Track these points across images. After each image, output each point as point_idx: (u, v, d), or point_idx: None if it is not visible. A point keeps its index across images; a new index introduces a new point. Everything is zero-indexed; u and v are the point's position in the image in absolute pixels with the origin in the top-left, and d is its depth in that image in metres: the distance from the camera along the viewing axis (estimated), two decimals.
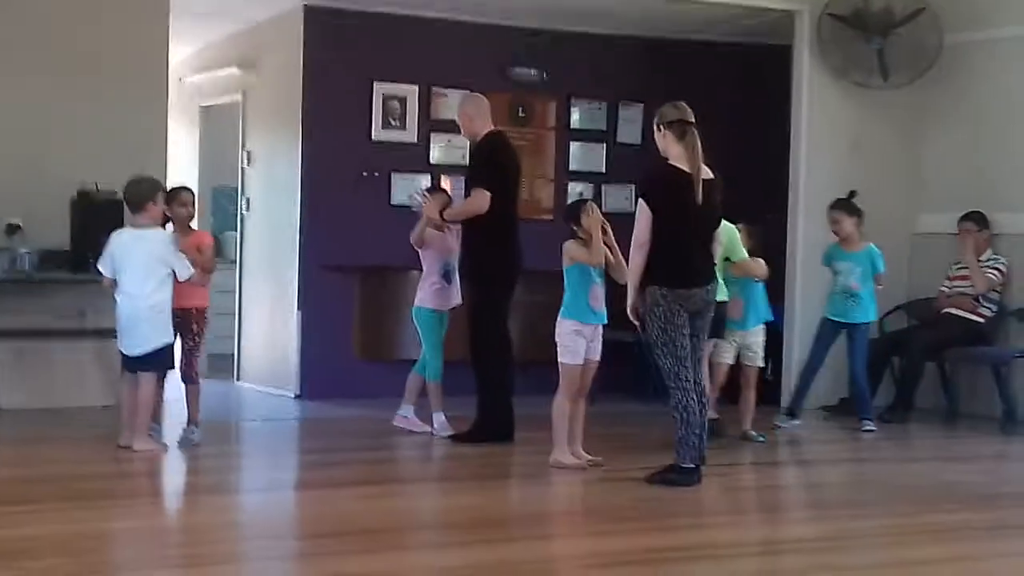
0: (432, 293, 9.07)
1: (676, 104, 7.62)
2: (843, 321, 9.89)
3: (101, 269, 8.26)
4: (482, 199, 8.68)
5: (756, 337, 9.20)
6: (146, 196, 8.21)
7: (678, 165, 7.49)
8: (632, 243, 7.53)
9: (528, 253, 8.98)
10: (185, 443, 8.44)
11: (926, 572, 6.04)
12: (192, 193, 8.76)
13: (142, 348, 8.13)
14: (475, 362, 8.83)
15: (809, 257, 10.64)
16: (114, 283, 8.21)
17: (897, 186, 11.13)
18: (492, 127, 9.01)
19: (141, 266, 8.13)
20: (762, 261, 9.13)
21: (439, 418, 9.02)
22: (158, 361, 8.19)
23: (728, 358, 9.15)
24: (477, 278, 8.86)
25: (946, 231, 10.69)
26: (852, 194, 10.10)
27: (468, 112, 9.04)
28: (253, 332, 11.64)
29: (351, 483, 7.67)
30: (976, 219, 10.50)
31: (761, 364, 9.33)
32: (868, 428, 9.75)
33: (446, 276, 9.07)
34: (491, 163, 8.84)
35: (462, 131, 9.18)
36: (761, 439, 9.09)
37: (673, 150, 7.53)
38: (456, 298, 9.12)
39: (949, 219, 10.70)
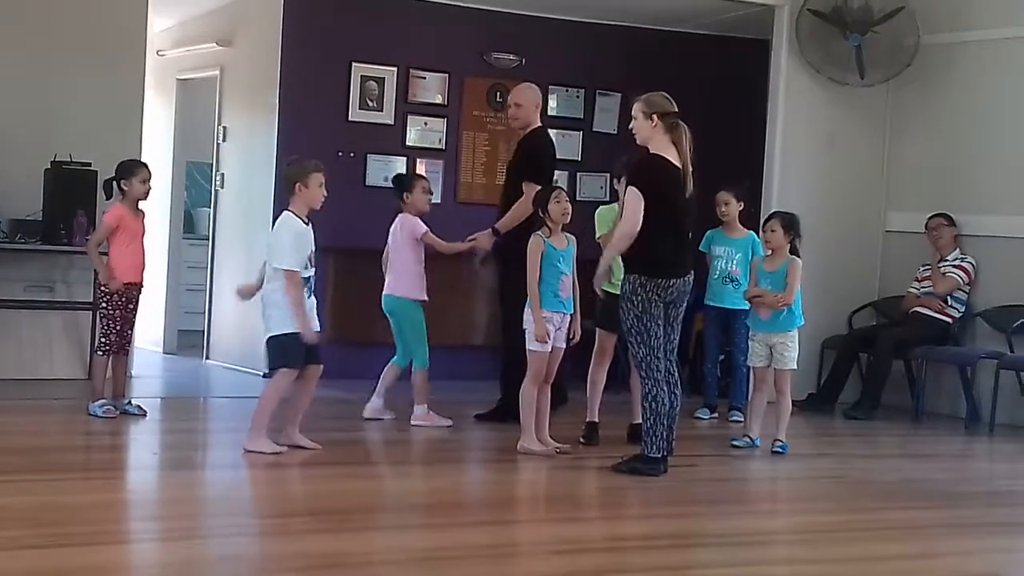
0: (420, 284, 9.00)
1: (667, 96, 7.57)
2: (720, 307, 9.78)
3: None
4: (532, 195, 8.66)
5: (783, 338, 8.51)
6: (291, 178, 7.80)
7: (666, 156, 7.51)
8: (621, 227, 7.54)
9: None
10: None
11: (888, 567, 6.09)
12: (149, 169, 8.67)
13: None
14: (504, 344, 8.84)
15: None
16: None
17: (869, 183, 11.18)
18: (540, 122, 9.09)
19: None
20: (770, 297, 8.53)
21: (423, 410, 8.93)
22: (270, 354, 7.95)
23: (758, 360, 8.60)
24: (511, 260, 8.76)
25: (917, 229, 10.74)
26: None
27: (532, 100, 9.06)
28: (224, 309, 11.59)
29: (319, 463, 7.67)
30: (946, 217, 10.54)
31: (792, 367, 8.57)
32: (737, 419, 9.56)
33: None
34: (546, 157, 9.00)
35: (512, 118, 9.17)
36: (780, 449, 8.50)
37: (658, 140, 7.52)
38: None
39: (920, 218, 10.75)
